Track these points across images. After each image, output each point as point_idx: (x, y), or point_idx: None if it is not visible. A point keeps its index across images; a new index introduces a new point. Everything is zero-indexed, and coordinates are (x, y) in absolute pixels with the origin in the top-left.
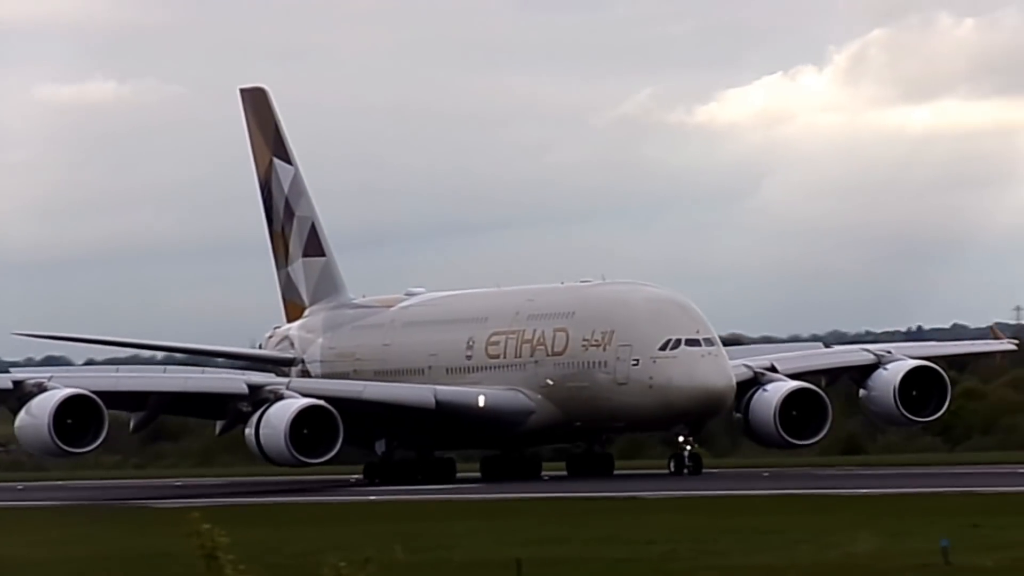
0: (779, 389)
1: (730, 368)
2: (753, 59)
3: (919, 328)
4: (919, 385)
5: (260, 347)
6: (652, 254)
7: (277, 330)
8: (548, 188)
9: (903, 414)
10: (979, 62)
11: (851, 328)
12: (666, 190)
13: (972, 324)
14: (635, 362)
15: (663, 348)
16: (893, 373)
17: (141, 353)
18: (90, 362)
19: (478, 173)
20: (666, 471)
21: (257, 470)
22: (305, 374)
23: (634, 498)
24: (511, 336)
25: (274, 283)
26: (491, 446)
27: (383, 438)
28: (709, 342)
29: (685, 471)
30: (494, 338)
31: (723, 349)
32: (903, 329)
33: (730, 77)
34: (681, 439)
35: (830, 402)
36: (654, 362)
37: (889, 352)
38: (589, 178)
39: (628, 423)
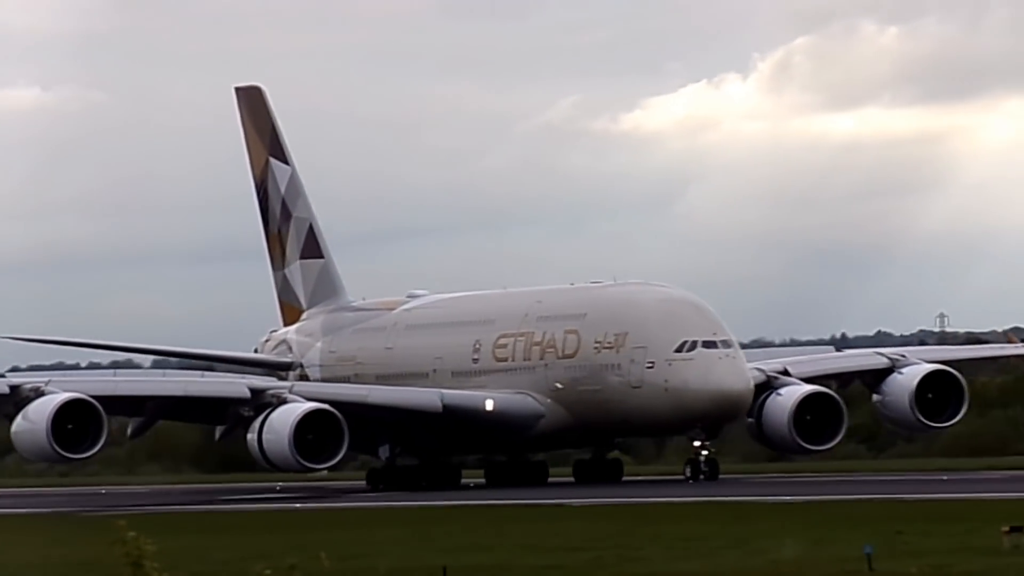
0: (793, 393)
1: (748, 371)
2: (678, 67)
3: (843, 336)
4: (934, 389)
5: (256, 351)
6: (577, 261)
7: (274, 334)
8: (473, 195)
9: (920, 420)
10: (902, 70)
11: (775, 336)
12: (591, 197)
13: (896, 331)
14: (650, 364)
15: (679, 350)
16: (909, 377)
17: (132, 359)
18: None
19: (402, 180)
20: (681, 477)
21: (183, 478)
22: (304, 379)
23: (560, 505)
24: (519, 338)
25: (268, 286)
26: (498, 451)
27: (387, 443)
28: (726, 344)
29: (701, 476)
30: (501, 340)
31: (740, 351)
32: (827, 337)
33: (655, 85)
34: (697, 444)
35: (845, 406)
36: (669, 364)
37: (903, 356)
38: (514, 185)
39: (642, 427)
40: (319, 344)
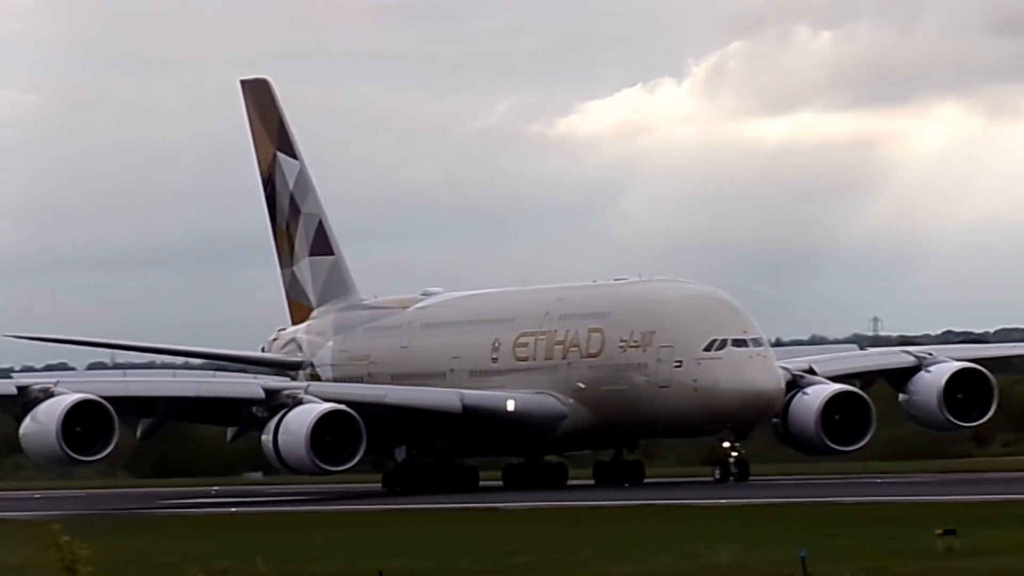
0: (820, 393)
1: (779, 370)
2: (613, 72)
3: (778, 340)
4: (963, 388)
5: (263, 350)
6: (513, 266)
7: (282, 332)
8: (406, 201)
9: (948, 419)
10: (836, 75)
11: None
12: (526, 202)
13: (831, 335)
14: (678, 364)
15: (708, 349)
16: (937, 376)
17: (133, 360)
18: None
19: (335, 186)
20: (710, 479)
21: (117, 482)
22: (314, 378)
23: (495, 509)
24: (541, 337)
25: (273, 283)
26: (518, 453)
27: (403, 444)
28: (757, 342)
29: (731, 478)
30: (522, 339)
31: (771, 350)
32: None
33: (590, 89)
34: (726, 445)
35: (873, 406)
36: (698, 364)
37: (930, 354)
38: (448, 191)
39: (669, 428)
40: (330, 343)
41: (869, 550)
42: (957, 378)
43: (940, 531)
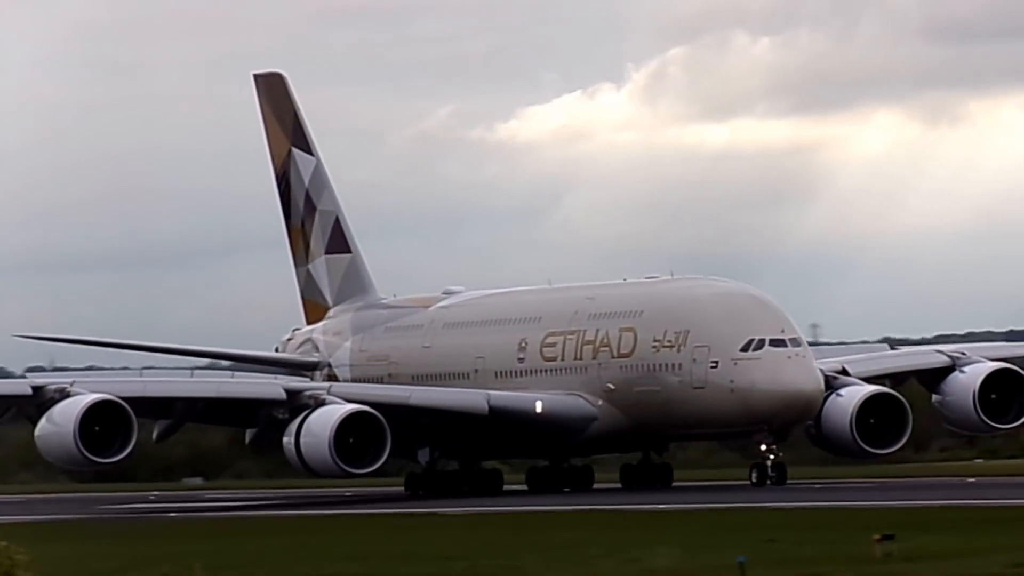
0: (855, 394)
1: (818, 371)
2: (553, 77)
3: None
4: (997, 389)
5: (277, 350)
6: (452, 271)
7: (297, 332)
8: (347, 205)
9: (984, 421)
10: (775, 81)
11: None
12: (466, 207)
13: None
14: (713, 364)
15: (745, 349)
16: (972, 376)
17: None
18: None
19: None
20: (746, 482)
21: (56, 487)
22: (331, 379)
23: (435, 514)
24: (570, 337)
25: (286, 282)
26: (544, 455)
27: (427, 447)
28: (795, 342)
29: (768, 482)
30: (550, 339)
31: (810, 350)
32: None
33: (531, 95)
34: (763, 447)
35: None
36: (735, 364)
37: (963, 353)
38: (388, 195)
39: (704, 430)
40: (348, 343)
41: (807, 555)
42: (990, 379)
43: (878, 536)
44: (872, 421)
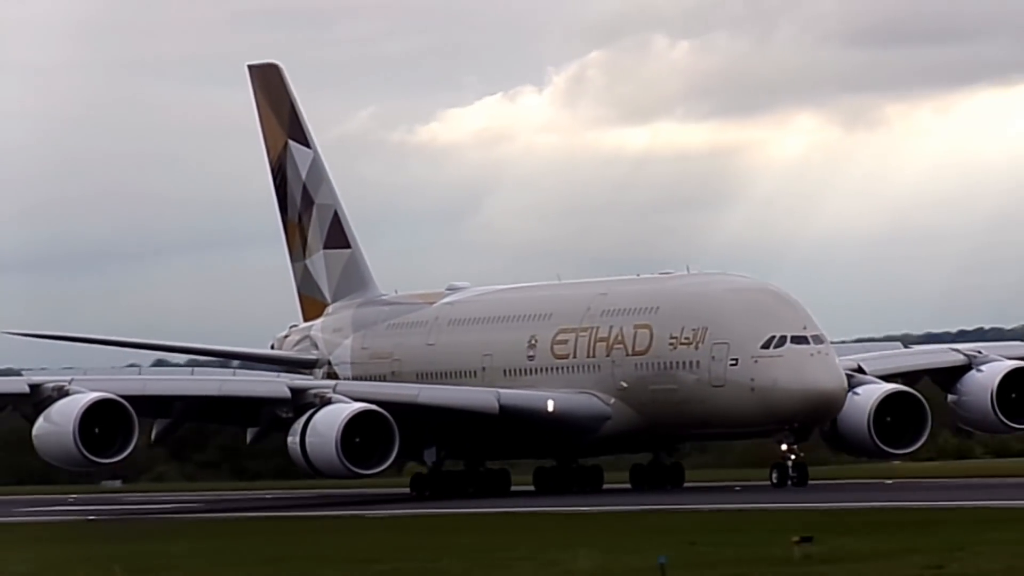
0: (872, 393)
1: (841, 369)
2: (474, 80)
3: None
4: (1016, 388)
5: (272, 347)
6: (374, 273)
7: (294, 329)
8: (269, 207)
9: (1002, 421)
10: (694, 84)
11: None
12: (387, 209)
13: None
14: (733, 362)
15: (766, 346)
16: (989, 375)
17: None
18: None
19: (196, 192)
20: (767, 482)
21: None
22: (331, 377)
23: (357, 517)
24: (582, 334)
25: (280, 277)
26: (553, 455)
27: (434, 447)
28: (818, 339)
29: (789, 483)
30: (561, 336)
31: (832, 348)
32: None
33: (451, 97)
34: (784, 447)
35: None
36: (756, 362)
37: (980, 352)
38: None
39: (723, 429)
40: (349, 340)
41: (727, 557)
42: (1008, 378)
43: (797, 538)
44: (889, 420)
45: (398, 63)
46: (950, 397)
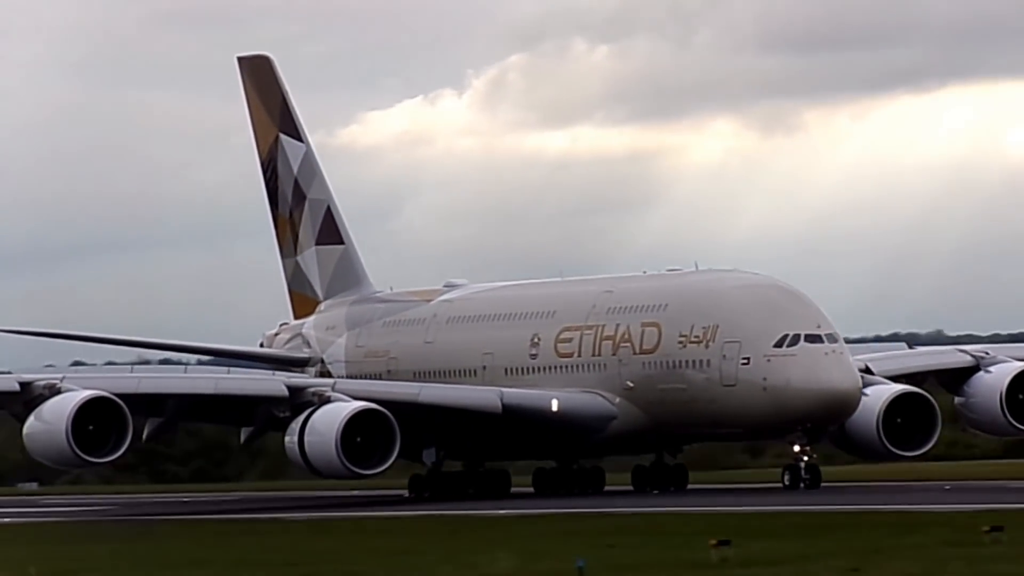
0: (882, 394)
1: (856, 368)
2: (394, 82)
3: None
4: (1021, 390)
5: (261, 345)
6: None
7: (285, 326)
8: (190, 207)
9: (1011, 423)
10: (613, 88)
11: None
12: None
13: None
14: (745, 361)
15: (779, 345)
16: (998, 377)
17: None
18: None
19: (119, 192)
20: (779, 484)
21: None
22: (325, 376)
23: (277, 520)
24: (587, 332)
25: (270, 274)
26: (559, 456)
27: (433, 447)
28: (832, 338)
29: (802, 484)
30: (565, 334)
31: (847, 347)
32: None
33: (371, 100)
34: (797, 448)
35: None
36: (768, 361)
37: (987, 353)
38: (230, 197)
39: (734, 430)
40: (343, 338)
41: (645, 560)
42: (1017, 379)
43: (714, 541)
44: (899, 421)
45: (318, 65)
46: (957, 399)
